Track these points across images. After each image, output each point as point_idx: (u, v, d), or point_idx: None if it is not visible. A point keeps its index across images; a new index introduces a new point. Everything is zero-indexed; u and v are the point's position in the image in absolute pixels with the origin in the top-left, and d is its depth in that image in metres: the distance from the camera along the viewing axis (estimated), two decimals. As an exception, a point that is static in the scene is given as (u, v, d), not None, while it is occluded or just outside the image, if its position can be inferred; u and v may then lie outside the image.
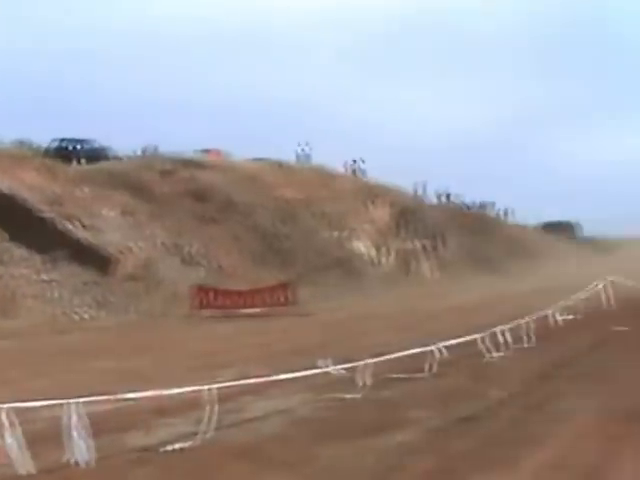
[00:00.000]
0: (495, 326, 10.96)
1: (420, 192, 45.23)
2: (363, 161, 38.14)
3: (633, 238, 79.50)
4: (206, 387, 5.58)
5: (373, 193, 34.66)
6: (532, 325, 11.99)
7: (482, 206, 57.26)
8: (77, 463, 4.78)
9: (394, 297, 25.06)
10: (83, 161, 27.75)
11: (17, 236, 20.51)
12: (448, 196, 51.70)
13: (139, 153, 31.95)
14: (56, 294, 20.05)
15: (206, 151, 34.08)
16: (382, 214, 33.97)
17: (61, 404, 4.85)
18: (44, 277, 20.35)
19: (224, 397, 5.83)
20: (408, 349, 9.34)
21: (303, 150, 36.32)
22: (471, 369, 9.21)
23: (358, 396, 7.68)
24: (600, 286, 18.34)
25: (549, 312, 13.98)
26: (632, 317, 15.12)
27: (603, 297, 17.97)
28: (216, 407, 5.40)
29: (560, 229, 71.20)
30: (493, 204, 57.42)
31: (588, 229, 79.98)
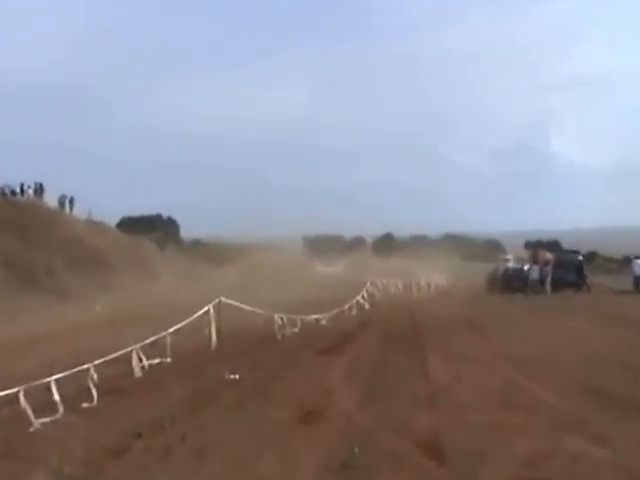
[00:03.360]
0: (46, 376, 8.45)
1: None
2: None
3: (253, 242, 62.07)
4: None
5: None
6: (103, 373, 9.59)
7: (33, 192, 41.70)
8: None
9: None
10: None
11: None
12: None
13: None
14: None
15: None
16: None
17: None
18: None
19: None
20: None
21: None
22: (7, 442, 6.73)
23: None
24: (209, 312, 14.58)
25: (128, 352, 11.05)
26: (243, 359, 12.67)
27: (210, 330, 14.54)
28: None
29: (150, 227, 54.58)
30: (41, 189, 42.01)
31: (190, 228, 63.83)
